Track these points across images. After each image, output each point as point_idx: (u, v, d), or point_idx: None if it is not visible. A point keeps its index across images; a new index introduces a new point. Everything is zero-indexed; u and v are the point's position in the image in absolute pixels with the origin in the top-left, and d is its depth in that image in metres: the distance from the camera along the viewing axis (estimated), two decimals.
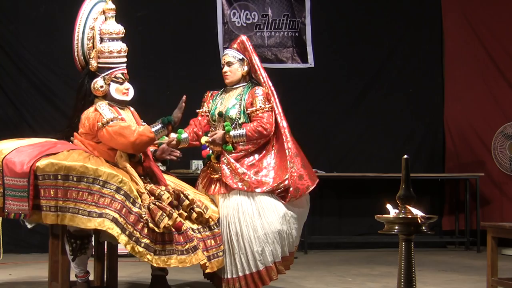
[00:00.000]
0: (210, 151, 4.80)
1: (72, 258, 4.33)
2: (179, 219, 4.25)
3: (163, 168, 6.27)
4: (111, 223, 4.07)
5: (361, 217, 7.97)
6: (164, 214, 4.16)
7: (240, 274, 4.57)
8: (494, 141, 8.09)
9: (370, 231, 7.96)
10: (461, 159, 8.35)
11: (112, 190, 4.14)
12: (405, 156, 3.15)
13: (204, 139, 4.86)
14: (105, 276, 4.78)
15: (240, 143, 4.64)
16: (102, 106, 4.48)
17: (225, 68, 4.82)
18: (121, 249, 5.38)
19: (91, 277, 4.60)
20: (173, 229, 4.21)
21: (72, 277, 4.52)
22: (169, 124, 4.49)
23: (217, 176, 4.73)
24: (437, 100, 8.45)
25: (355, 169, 7.97)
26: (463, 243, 7.99)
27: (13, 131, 7.41)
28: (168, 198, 4.30)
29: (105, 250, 4.82)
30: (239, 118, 4.69)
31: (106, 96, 4.58)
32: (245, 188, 4.58)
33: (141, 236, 4.11)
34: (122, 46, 4.64)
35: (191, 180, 5.13)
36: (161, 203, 4.23)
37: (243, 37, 4.87)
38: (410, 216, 3.08)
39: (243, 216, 4.56)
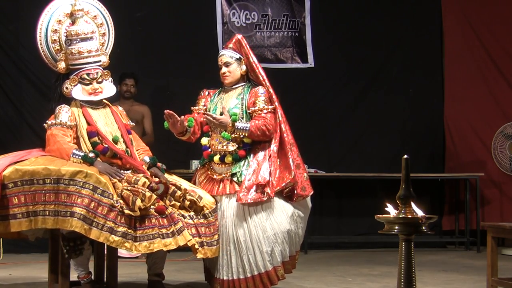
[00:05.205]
0: (212, 152, 4.77)
1: (67, 257, 4.31)
2: (154, 197, 4.18)
3: (163, 167, 6.26)
4: (78, 221, 4.05)
5: (361, 217, 7.97)
6: (136, 197, 4.11)
7: (248, 275, 4.53)
8: (494, 141, 8.09)
9: (370, 231, 7.96)
10: (461, 159, 8.35)
11: (78, 187, 4.11)
12: (405, 156, 3.14)
13: (204, 140, 4.85)
14: (105, 276, 4.78)
15: (240, 136, 4.63)
16: (62, 109, 4.49)
17: (224, 69, 4.77)
18: (120, 252, 5.39)
19: None
20: (155, 213, 4.17)
21: (72, 277, 4.52)
22: (85, 162, 4.29)
23: (220, 177, 4.70)
24: (437, 100, 8.45)
25: (355, 169, 7.97)
26: (463, 243, 7.99)
27: (13, 131, 7.43)
28: (144, 183, 4.26)
29: (105, 250, 4.82)
30: (242, 118, 4.67)
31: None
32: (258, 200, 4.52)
33: (116, 225, 4.07)
34: (90, 46, 4.58)
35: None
36: (134, 187, 4.20)
37: (238, 36, 4.81)
38: (410, 216, 3.08)
39: (251, 217, 4.53)
